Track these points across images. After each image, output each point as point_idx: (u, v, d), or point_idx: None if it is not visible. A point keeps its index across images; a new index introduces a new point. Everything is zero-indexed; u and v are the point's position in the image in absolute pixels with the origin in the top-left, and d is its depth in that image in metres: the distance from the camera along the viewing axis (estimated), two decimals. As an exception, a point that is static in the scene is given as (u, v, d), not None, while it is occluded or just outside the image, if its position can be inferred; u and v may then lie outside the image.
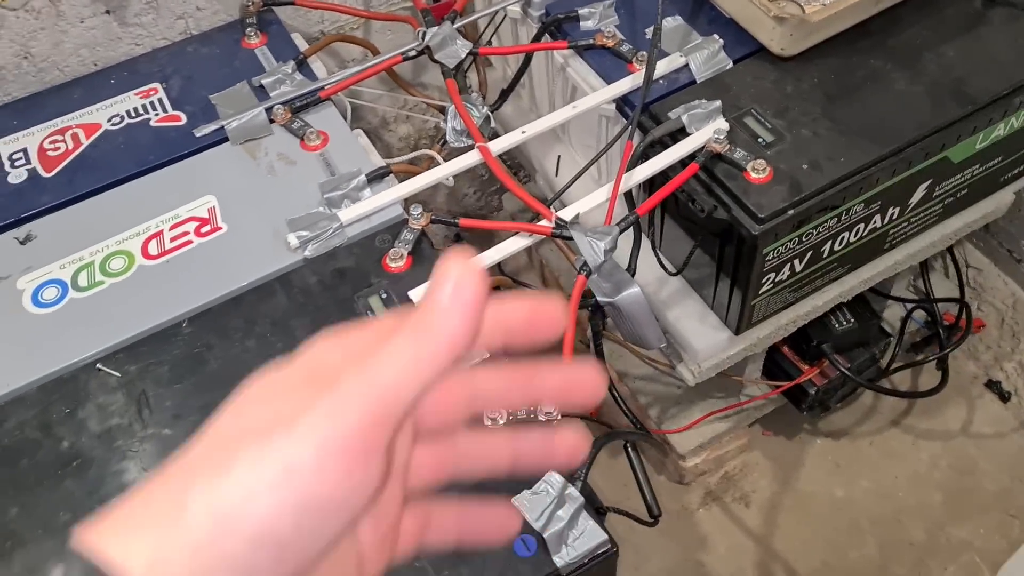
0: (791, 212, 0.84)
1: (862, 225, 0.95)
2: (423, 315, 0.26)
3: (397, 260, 0.83)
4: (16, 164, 0.94)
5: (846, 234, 0.94)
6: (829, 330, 1.14)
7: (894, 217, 0.97)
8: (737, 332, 0.99)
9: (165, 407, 0.75)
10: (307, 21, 1.14)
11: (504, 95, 1.12)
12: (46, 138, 0.96)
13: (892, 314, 1.28)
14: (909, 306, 1.25)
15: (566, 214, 0.84)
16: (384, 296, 0.81)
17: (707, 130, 0.87)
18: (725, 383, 1.21)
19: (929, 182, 0.95)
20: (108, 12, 1.00)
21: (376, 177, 0.89)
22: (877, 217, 0.95)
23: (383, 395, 0.25)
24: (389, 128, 1.32)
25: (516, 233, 0.84)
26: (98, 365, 0.78)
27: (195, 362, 0.78)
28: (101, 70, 1.04)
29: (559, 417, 0.50)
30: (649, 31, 0.98)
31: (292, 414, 0.25)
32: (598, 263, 0.80)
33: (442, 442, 0.31)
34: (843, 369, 1.13)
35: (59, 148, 0.95)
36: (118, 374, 0.78)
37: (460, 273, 0.26)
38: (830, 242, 0.94)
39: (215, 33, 1.07)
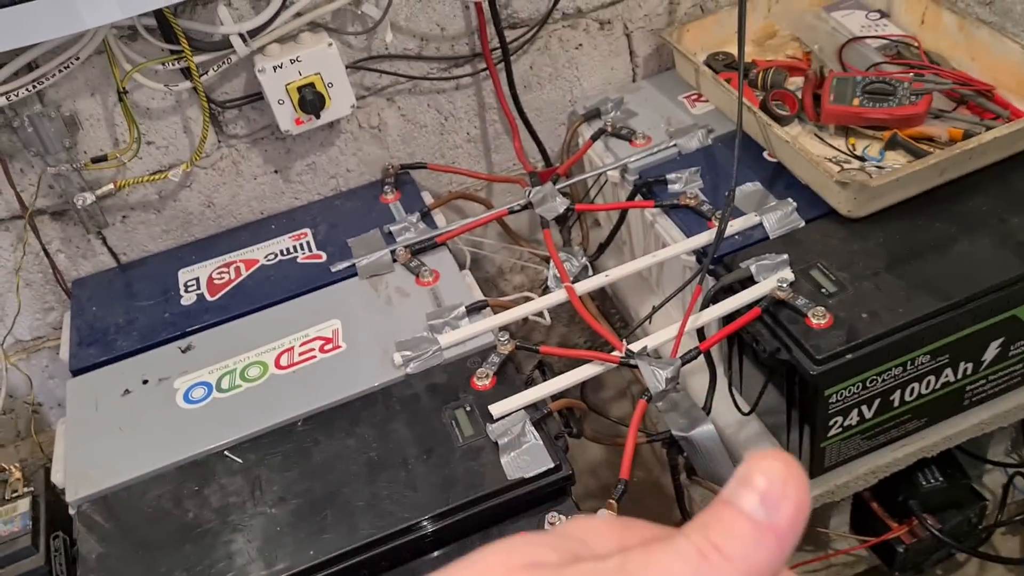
0: (849, 356, 0.89)
1: (932, 377, 0.98)
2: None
3: (483, 379, 0.94)
4: (189, 289, 1.14)
5: (915, 385, 0.98)
6: (916, 487, 1.14)
7: (968, 373, 1.00)
8: (811, 476, 1.02)
9: (273, 490, 0.88)
10: (437, 182, 1.33)
11: (602, 248, 1.24)
12: (215, 270, 1.17)
13: (994, 480, 1.25)
14: (1010, 471, 1.22)
15: (637, 346, 0.94)
16: (468, 409, 0.92)
17: (773, 279, 0.96)
18: (812, 534, 1.21)
19: (1001, 340, 0.98)
20: (276, 172, 1.23)
21: (475, 309, 1.02)
22: (948, 371, 0.98)
23: None
24: (504, 277, 1.47)
25: (590, 361, 0.94)
26: (226, 452, 0.93)
27: (303, 454, 0.91)
28: (266, 217, 1.25)
29: None
30: (728, 193, 1.09)
31: None
32: (659, 390, 0.89)
33: None
34: (933, 530, 1.12)
35: (224, 278, 1.15)
36: (240, 460, 0.91)
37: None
38: (899, 392, 0.97)
39: (360, 190, 1.28)
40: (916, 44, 1.20)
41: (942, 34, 1.19)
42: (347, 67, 1.16)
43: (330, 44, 1.09)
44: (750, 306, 0.96)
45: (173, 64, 1.06)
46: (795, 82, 1.23)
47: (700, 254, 1.06)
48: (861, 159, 1.09)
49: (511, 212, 1.14)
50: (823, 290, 0.95)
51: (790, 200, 1.06)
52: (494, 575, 0.23)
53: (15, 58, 0.98)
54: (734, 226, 1.04)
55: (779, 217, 1.04)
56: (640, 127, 1.24)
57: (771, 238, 1.04)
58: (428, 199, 1.24)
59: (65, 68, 1.00)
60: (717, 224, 1.05)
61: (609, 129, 1.23)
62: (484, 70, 1.25)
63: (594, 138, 1.23)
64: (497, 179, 1.31)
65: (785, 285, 0.95)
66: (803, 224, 1.04)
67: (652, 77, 1.34)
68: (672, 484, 1.07)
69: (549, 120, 1.34)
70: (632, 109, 1.28)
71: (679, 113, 1.25)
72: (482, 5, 1.17)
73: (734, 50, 1.30)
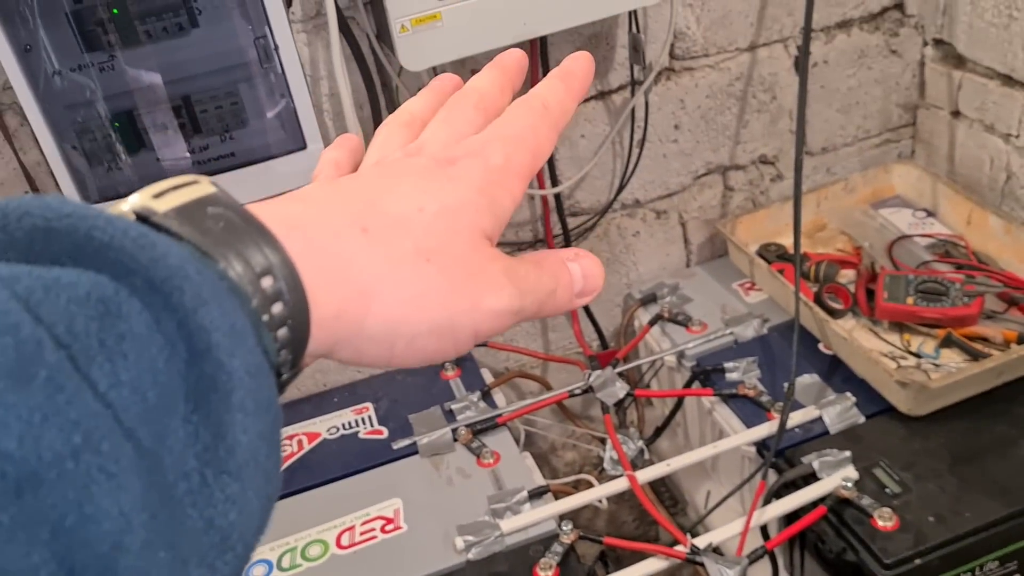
0: (918, 562, 0.89)
1: (1002, 584, 0.96)
2: None
3: (546, 569, 0.94)
4: (252, 460, 1.16)
5: (986, 591, 0.96)
6: None
7: (1039, 579, 0.98)
8: None
9: None
10: (495, 358, 1.37)
11: (658, 432, 1.26)
12: (278, 441, 1.19)
13: None
14: None
15: (702, 541, 0.94)
16: (531, 601, 0.91)
17: (836, 477, 0.97)
18: None
19: (1072, 546, 0.97)
20: (342, 345, 1.27)
21: (537, 494, 1.03)
22: (1018, 576, 0.96)
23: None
24: (557, 453, 1.48)
25: (655, 555, 0.93)
26: (286, 636, 0.92)
27: (364, 643, 0.90)
28: (328, 390, 1.29)
29: None
30: (787, 385, 1.12)
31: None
32: (726, 591, 0.88)
33: None
34: None
35: (286, 450, 1.18)
36: (300, 646, 0.91)
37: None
38: (969, 597, 0.95)
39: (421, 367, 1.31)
40: (964, 244, 1.25)
41: (989, 235, 1.24)
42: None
43: (405, 231, 1.16)
44: (814, 504, 0.96)
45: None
46: (846, 275, 1.27)
47: (760, 446, 1.07)
48: (917, 356, 1.12)
49: (571, 396, 1.16)
50: (887, 490, 0.95)
51: (848, 395, 1.08)
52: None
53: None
54: (794, 419, 1.06)
55: (839, 412, 1.06)
56: (696, 313, 1.28)
57: (831, 433, 1.05)
58: (487, 376, 1.27)
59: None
60: (777, 416, 1.07)
61: (666, 314, 1.28)
62: (546, 255, 1.31)
63: (651, 323, 1.27)
64: (556, 359, 1.35)
65: (850, 484, 0.95)
66: (863, 420, 1.05)
67: (706, 263, 1.39)
68: None
69: (605, 302, 1.39)
70: (687, 295, 1.32)
71: (734, 301, 1.29)
72: (547, 197, 1.25)
73: (785, 242, 1.36)
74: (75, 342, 0.20)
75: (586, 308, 1.36)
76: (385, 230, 0.29)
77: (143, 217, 0.24)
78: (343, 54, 1.04)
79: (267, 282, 0.24)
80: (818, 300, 1.20)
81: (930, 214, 1.34)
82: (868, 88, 1.35)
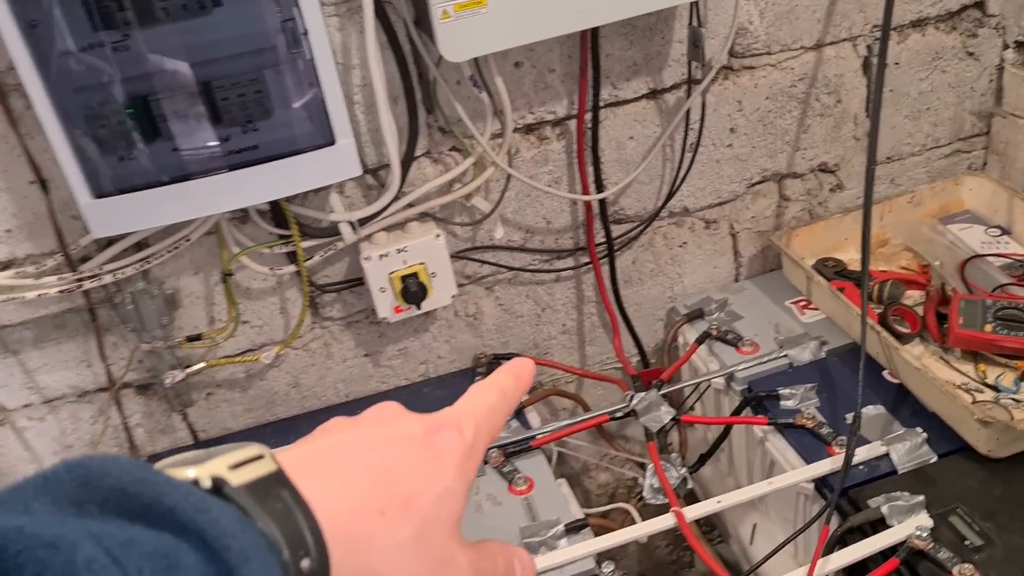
0: (1004, 626, 0.79)
1: (1094, 650, 0.86)
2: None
3: (585, 616, 0.85)
4: (266, 475, 1.08)
5: (1074, 658, 0.86)
6: None
7: None
8: None
9: None
10: (528, 373, 1.28)
11: (703, 459, 1.16)
12: (295, 455, 1.11)
13: None
14: None
15: (757, 593, 0.84)
16: (568, 652, 0.82)
17: (909, 524, 0.87)
18: None
19: None
20: (367, 355, 1.19)
21: (574, 528, 0.94)
22: (1111, 643, 0.86)
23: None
24: (590, 475, 1.39)
25: (705, 606, 0.84)
26: None
27: None
28: (351, 400, 1.21)
29: None
30: (849, 416, 1.02)
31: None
32: (788, 652, 0.78)
33: None
34: None
35: (303, 465, 1.09)
36: None
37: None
38: (1055, 665, 0.85)
39: (448, 378, 1.23)
40: (1044, 266, 1.15)
41: (1073, 258, 1.14)
42: (451, 256, 1.14)
43: (438, 235, 1.08)
44: (884, 554, 0.86)
45: (280, 248, 1.04)
46: (912, 296, 1.17)
47: (820, 483, 0.97)
48: (995, 389, 1.02)
49: (612, 419, 1.07)
50: (967, 542, 0.85)
51: (919, 430, 0.98)
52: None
53: (126, 236, 0.98)
54: (858, 455, 0.96)
55: (908, 449, 0.96)
56: (746, 332, 1.18)
57: (899, 472, 0.95)
58: (520, 392, 1.18)
59: (174, 248, 0.99)
60: (840, 451, 0.97)
61: (714, 333, 1.18)
62: (587, 264, 1.22)
63: (699, 341, 1.18)
64: (595, 376, 1.26)
65: (924, 533, 0.85)
66: (935, 459, 0.96)
67: (756, 278, 1.30)
68: None
69: (647, 315, 1.30)
70: (737, 311, 1.23)
71: (788, 320, 1.20)
72: (591, 202, 1.16)
73: (844, 256, 1.26)
74: None
75: (627, 320, 1.27)
76: (396, 514, 0.33)
77: (217, 486, 0.29)
78: (378, 41, 0.95)
79: (305, 563, 0.29)
80: (883, 323, 1.10)
81: (1005, 231, 1.23)
82: (941, 93, 1.25)
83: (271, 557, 0.27)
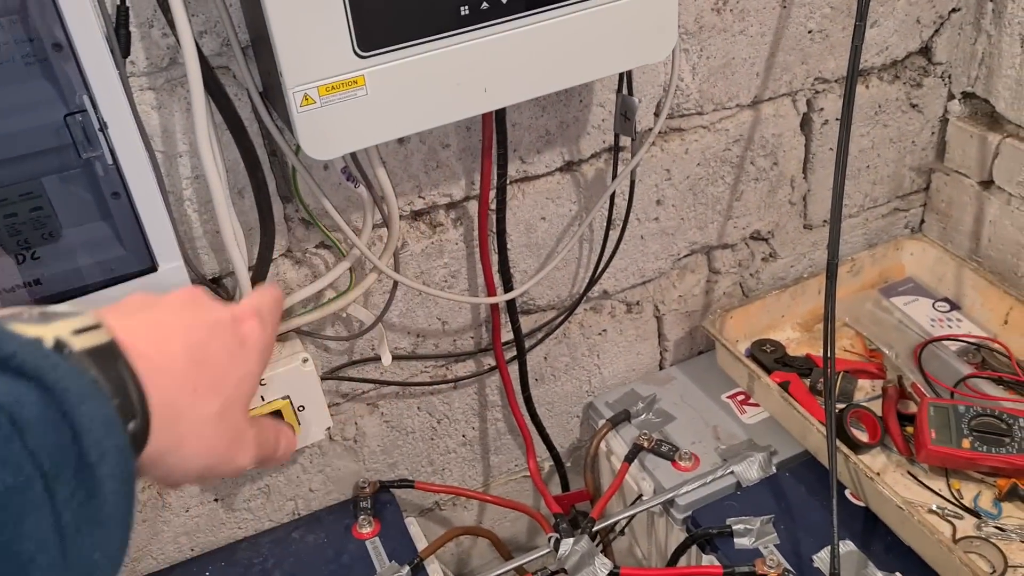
0: None
1: None
2: None
3: None
4: None
5: None
6: None
7: None
8: None
9: None
10: (422, 495, 1.06)
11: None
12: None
13: None
14: None
15: None
16: None
17: None
18: None
19: None
20: (216, 500, 0.93)
21: None
22: None
23: None
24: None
25: None
26: None
27: None
28: (198, 556, 0.95)
29: None
30: (817, 556, 0.86)
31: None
32: None
33: None
34: None
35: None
36: None
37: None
38: None
39: (324, 514, 0.99)
40: (1004, 350, 1.02)
41: (1035, 341, 1.02)
42: (323, 375, 0.89)
43: (305, 360, 0.83)
44: None
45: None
46: (863, 387, 1.03)
47: (794, 655, 0.80)
48: (974, 514, 0.88)
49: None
50: None
51: (899, 574, 0.83)
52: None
53: None
54: (836, 615, 0.80)
55: (893, 606, 0.81)
56: (682, 439, 1.00)
57: (885, 636, 0.79)
58: (414, 530, 0.96)
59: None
60: (815, 616, 0.80)
61: (646, 444, 0.99)
62: (491, 368, 1.00)
63: (629, 459, 0.99)
64: (506, 504, 1.04)
65: None
66: (923, 615, 0.80)
67: (683, 363, 1.12)
68: None
69: (561, 414, 1.10)
70: (667, 410, 1.05)
71: (728, 421, 1.02)
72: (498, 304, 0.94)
73: (781, 335, 1.10)
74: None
75: (538, 424, 1.06)
76: (206, 391, 0.37)
77: (59, 347, 0.31)
78: (211, 121, 0.70)
79: (131, 426, 0.32)
80: (840, 430, 0.94)
81: (953, 305, 1.10)
82: (881, 149, 1.10)
83: (106, 404, 0.31)
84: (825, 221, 1.13)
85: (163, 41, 0.69)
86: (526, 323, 1.00)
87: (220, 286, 0.81)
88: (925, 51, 1.05)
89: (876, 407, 0.99)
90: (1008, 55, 0.99)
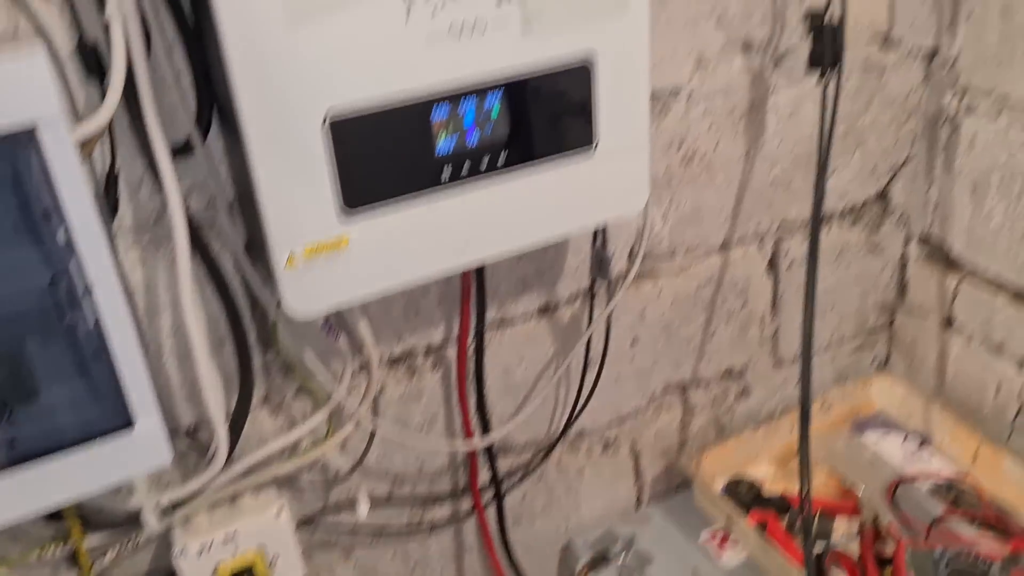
0: None
1: None
2: None
3: None
4: None
5: None
6: None
7: None
8: None
9: None
10: (396, 645, 1.02)
11: None
12: None
13: None
14: None
15: None
16: None
17: None
18: None
19: None
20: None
21: None
22: None
23: None
24: None
25: None
26: None
27: None
28: None
29: None
30: None
31: None
32: None
33: None
34: None
35: None
36: None
37: None
38: None
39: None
40: (974, 488, 1.03)
41: (1005, 479, 1.03)
42: (298, 523, 0.88)
43: (279, 511, 0.82)
44: None
45: (55, 549, 0.75)
46: (840, 527, 1.03)
47: None
48: (959, 663, 0.87)
49: None
50: None
51: None
52: None
53: None
54: None
55: None
56: (661, 584, 0.99)
57: None
58: None
59: None
60: None
61: (625, 590, 0.98)
62: (469, 511, 0.99)
63: (609, 606, 0.97)
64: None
65: None
66: None
67: (660, 501, 1.11)
68: None
69: (539, 555, 1.08)
70: (646, 551, 1.03)
71: (706, 565, 1.01)
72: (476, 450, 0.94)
73: (757, 472, 1.10)
74: None
75: (516, 569, 1.04)
76: None
77: None
78: (195, 276, 0.71)
79: None
80: (819, 572, 0.94)
81: (924, 441, 1.12)
82: (845, 289, 1.13)
83: None
84: (795, 357, 1.15)
85: (150, 203, 0.70)
86: (504, 464, 0.99)
87: (195, 438, 0.80)
88: (882, 196, 1.10)
89: (854, 546, 0.99)
90: (959, 203, 1.04)
